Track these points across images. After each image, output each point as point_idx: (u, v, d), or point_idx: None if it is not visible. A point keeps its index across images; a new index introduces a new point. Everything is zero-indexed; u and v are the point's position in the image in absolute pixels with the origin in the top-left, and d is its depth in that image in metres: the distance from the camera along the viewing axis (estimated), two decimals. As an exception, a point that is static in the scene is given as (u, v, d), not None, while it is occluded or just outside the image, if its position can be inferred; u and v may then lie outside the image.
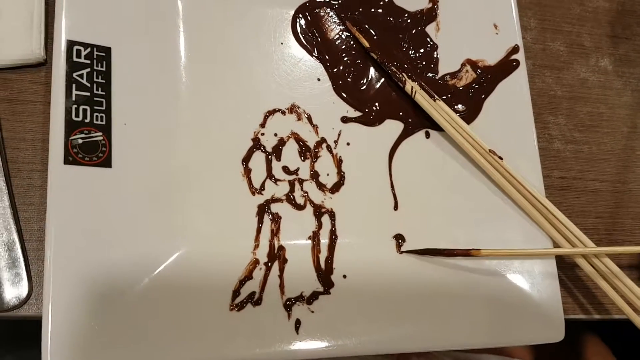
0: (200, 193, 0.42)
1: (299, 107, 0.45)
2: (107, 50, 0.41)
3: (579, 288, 0.49)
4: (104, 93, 0.40)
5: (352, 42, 0.48)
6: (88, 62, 0.40)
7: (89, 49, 0.40)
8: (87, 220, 0.38)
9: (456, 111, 0.48)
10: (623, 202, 0.52)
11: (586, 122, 0.54)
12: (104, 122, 0.40)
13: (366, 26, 0.48)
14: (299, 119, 0.45)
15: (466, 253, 0.44)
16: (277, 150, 0.44)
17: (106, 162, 0.39)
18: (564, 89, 0.55)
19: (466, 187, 0.47)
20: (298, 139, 0.45)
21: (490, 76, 0.49)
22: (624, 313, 0.44)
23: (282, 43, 0.47)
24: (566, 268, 0.49)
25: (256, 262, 0.41)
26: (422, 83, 0.47)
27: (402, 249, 0.44)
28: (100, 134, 0.40)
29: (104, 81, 0.41)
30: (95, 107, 0.40)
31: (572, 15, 0.57)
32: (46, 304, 0.35)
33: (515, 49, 0.50)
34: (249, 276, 0.41)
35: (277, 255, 0.42)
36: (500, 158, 0.46)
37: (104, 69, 0.41)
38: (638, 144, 0.54)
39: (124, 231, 0.39)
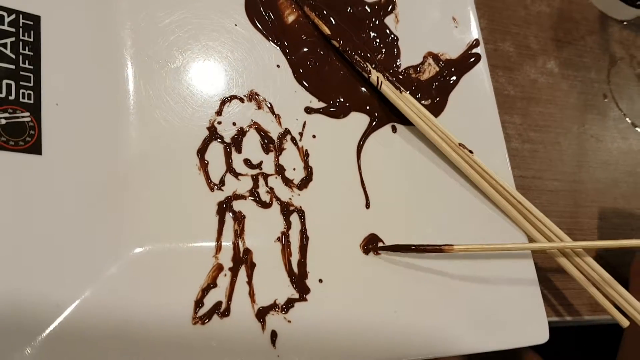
0: (151, 189, 0.35)
1: (258, 95, 0.40)
2: (36, 19, 0.34)
3: (549, 289, 0.47)
4: (32, 67, 0.33)
5: (312, 29, 0.44)
6: (13, 30, 0.33)
7: (13, 16, 0.33)
8: (9, 217, 0.30)
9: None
10: (581, 201, 0.52)
11: (540, 122, 0.54)
12: (32, 101, 0.33)
13: (325, 12, 0.45)
14: (260, 107, 0.40)
15: (438, 249, 0.41)
16: (237, 142, 0.39)
17: (35, 148, 0.32)
18: (516, 89, 0.54)
19: (438, 183, 0.44)
20: (260, 130, 0.40)
21: (453, 69, 0.47)
22: (600, 310, 0.42)
23: (235, 25, 0.42)
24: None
25: (220, 267, 0.35)
26: (387, 74, 0.44)
27: (372, 247, 0.40)
28: (27, 114, 0.32)
29: (31, 53, 0.34)
30: (22, 83, 0.33)
31: (518, 17, 0.57)
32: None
33: (475, 43, 0.48)
34: (212, 284, 0.35)
35: (243, 259, 0.36)
36: (471, 152, 0.43)
37: (31, 39, 0.34)
38: (589, 144, 0.55)
39: (59, 230, 0.31)
